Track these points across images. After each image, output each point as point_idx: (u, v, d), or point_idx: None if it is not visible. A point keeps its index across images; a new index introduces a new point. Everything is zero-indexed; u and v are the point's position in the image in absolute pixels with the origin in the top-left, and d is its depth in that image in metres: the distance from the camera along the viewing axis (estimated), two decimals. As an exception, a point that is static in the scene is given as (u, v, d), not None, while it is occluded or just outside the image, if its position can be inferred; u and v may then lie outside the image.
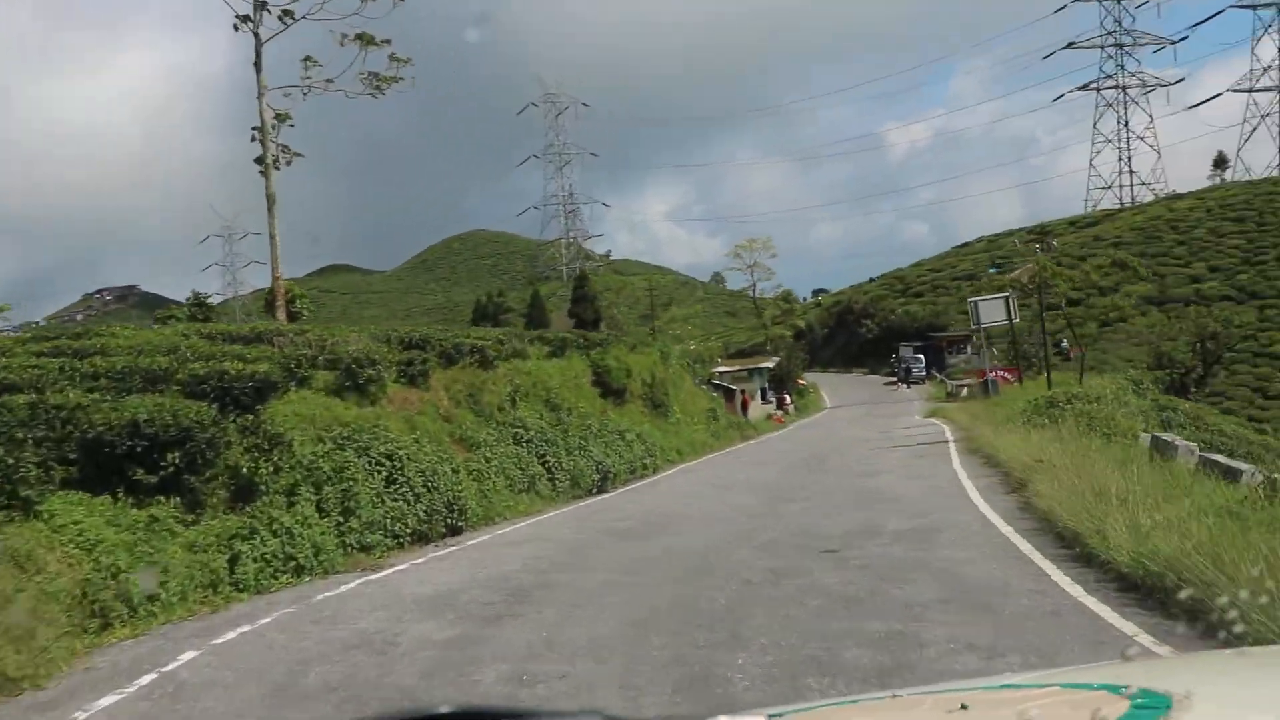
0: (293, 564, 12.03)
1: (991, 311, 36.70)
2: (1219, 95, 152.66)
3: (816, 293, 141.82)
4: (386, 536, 13.85)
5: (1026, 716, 1.62)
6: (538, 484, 19.53)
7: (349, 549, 13.10)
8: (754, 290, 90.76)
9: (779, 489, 18.78)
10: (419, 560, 13.28)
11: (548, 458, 20.35)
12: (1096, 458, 13.85)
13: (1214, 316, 62.33)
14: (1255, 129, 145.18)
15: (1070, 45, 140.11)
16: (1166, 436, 15.77)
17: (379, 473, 14.23)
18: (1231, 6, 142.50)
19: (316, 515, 12.88)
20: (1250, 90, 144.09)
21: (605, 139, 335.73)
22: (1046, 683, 2.14)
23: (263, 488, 12.34)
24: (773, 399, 65.47)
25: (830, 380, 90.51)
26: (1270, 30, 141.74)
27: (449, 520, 15.39)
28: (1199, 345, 58.90)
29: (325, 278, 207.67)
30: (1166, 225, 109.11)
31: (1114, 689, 1.76)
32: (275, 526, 12.04)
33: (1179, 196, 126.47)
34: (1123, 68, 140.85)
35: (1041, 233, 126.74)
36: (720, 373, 59.18)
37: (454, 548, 14.35)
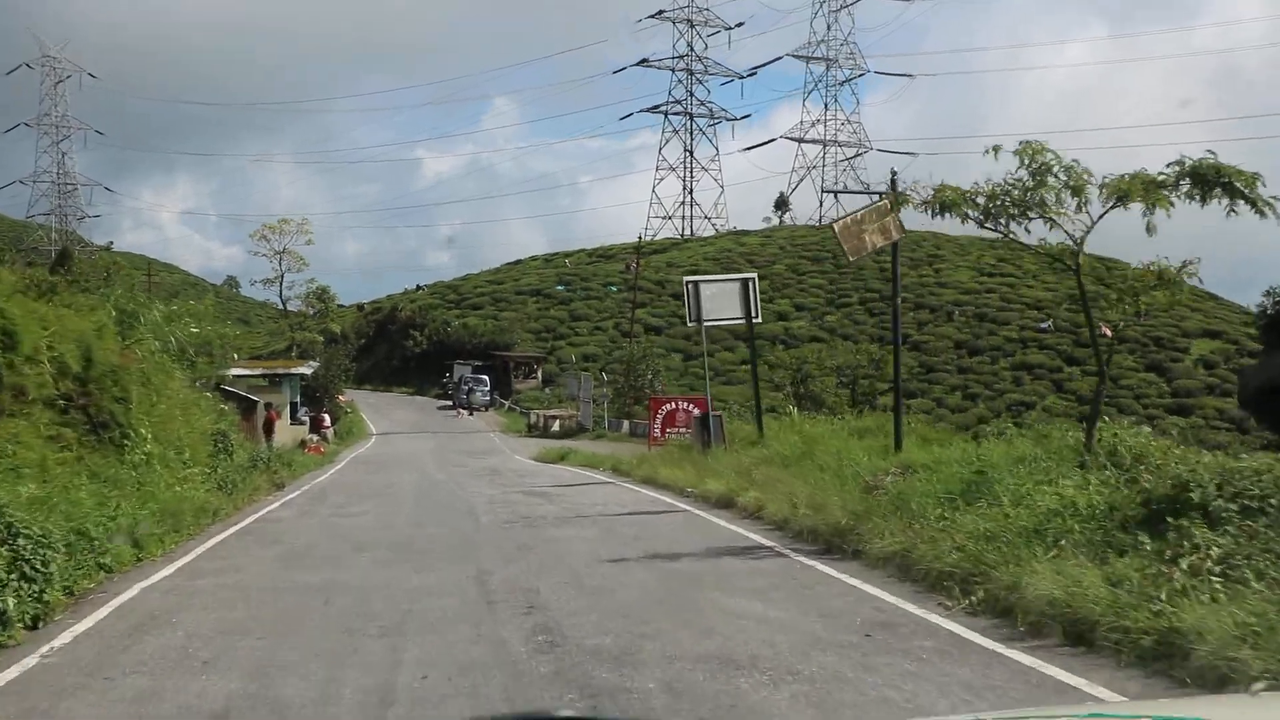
0: None
1: (720, 302, 22.29)
2: (772, 141, 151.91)
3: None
4: None
5: None
6: None
7: None
8: (281, 283, 71.64)
9: None
10: None
11: None
12: None
13: (867, 354, 52.59)
14: (802, 179, 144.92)
15: (644, 62, 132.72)
16: None
17: None
18: (789, 55, 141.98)
19: None
20: (800, 140, 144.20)
21: (117, 118, 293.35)
22: (1137, 714, 2.10)
23: None
24: (307, 419, 47.85)
25: (368, 399, 73.83)
26: (820, 85, 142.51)
27: None
28: (851, 385, 48.72)
29: None
30: (741, 258, 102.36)
31: None
32: None
33: (745, 232, 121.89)
34: (692, 94, 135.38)
35: (607, 254, 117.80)
36: (236, 376, 41.06)
37: None
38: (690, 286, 22.73)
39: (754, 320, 22.82)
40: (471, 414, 65.99)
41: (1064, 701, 6.24)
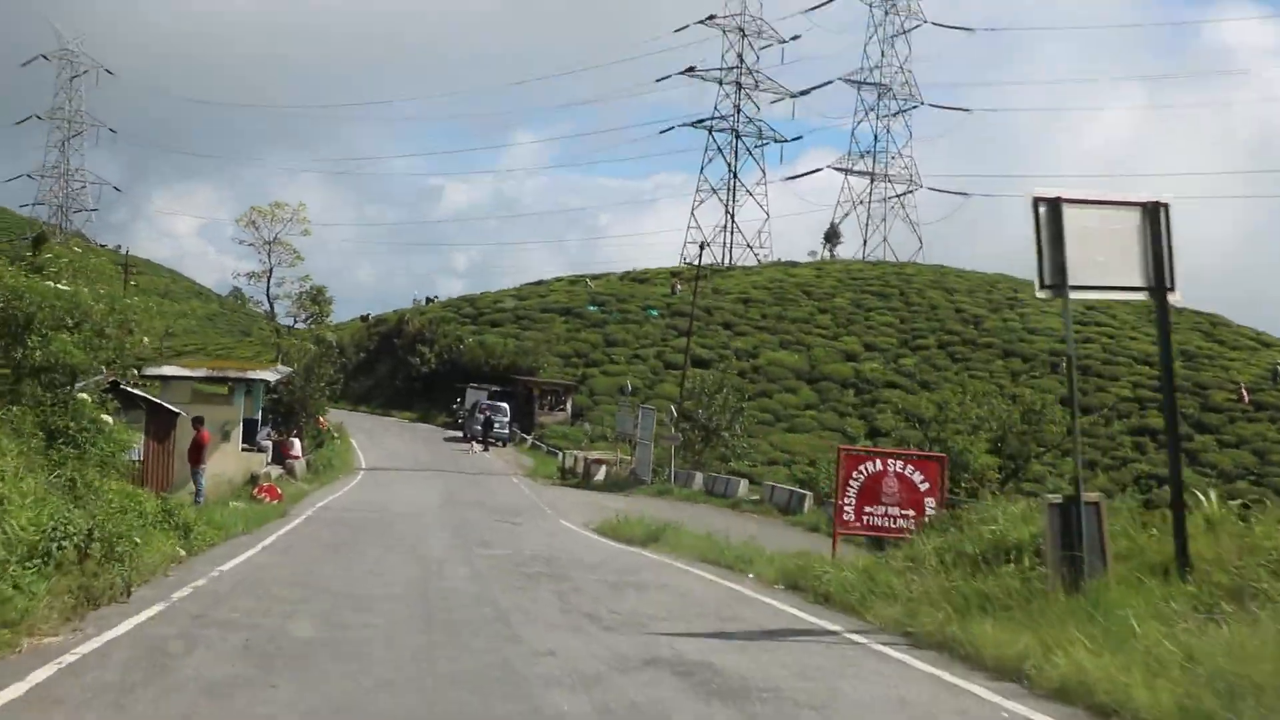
0: None
1: (1102, 248, 9.82)
2: (818, 170, 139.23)
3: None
4: None
5: None
6: None
7: None
8: (269, 278, 59.23)
9: None
10: None
11: None
12: None
13: (1022, 403, 40.14)
14: (848, 214, 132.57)
15: (690, 70, 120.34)
16: None
17: None
18: (840, 79, 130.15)
19: None
20: (847, 172, 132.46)
21: (137, 118, 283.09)
22: None
23: None
24: (269, 444, 35.24)
25: (363, 422, 61.41)
26: (870, 114, 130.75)
27: None
28: (999, 444, 36.32)
29: None
30: (795, 289, 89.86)
31: None
32: None
33: (794, 263, 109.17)
34: (739, 110, 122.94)
35: (640, 278, 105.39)
36: (169, 377, 28.95)
37: None
38: (1046, 211, 10.14)
39: (1168, 289, 10.31)
40: (487, 449, 53.44)
41: None
